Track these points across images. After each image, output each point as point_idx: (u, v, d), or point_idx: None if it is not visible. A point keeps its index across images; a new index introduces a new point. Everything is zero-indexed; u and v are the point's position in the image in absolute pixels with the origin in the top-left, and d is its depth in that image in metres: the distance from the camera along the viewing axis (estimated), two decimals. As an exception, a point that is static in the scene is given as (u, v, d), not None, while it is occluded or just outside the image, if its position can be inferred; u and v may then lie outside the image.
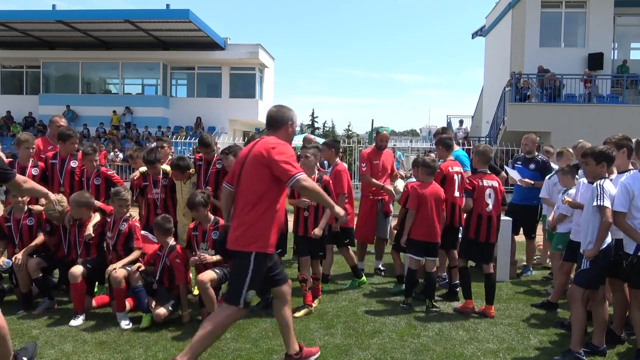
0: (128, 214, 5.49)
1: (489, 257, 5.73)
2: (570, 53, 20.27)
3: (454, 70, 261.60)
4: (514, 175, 7.38)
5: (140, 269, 5.16)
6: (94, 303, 5.43)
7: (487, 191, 5.62)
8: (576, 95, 18.69)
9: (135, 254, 5.33)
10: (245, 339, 4.69)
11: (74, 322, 5.01)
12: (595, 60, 19.66)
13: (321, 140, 9.00)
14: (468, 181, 5.78)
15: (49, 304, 5.50)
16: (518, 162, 7.71)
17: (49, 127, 6.93)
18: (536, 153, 7.60)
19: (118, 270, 5.07)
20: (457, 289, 6.12)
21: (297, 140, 20.45)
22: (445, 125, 15.15)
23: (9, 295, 5.91)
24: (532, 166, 7.40)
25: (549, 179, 6.87)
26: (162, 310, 4.99)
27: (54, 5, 26.32)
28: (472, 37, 29.93)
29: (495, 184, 5.72)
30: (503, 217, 7.16)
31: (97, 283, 5.87)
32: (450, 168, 6.23)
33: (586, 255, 4.34)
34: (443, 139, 6.53)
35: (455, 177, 6.20)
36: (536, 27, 20.32)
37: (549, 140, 18.41)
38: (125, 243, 5.37)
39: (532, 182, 7.21)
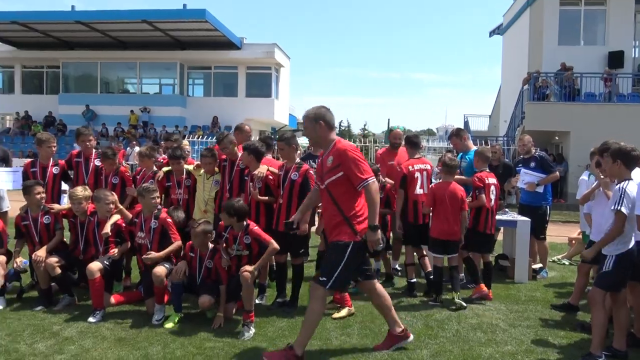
0: (157, 210, 5.47)
1: (491, 247, 6.37)
2: (589, 51, 19.96)
3: (471, 69, 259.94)
4: (524, 178, 7.32)
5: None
6: (112, 300, 5.50)
7: (491, 188, 6.19)
8: (596, 94, 18.38)
9: (174, 246, 5.34)
10: (262, 337, 4.70)
11: (93, 319, 5.06)
12: (615, 59, 19.35)
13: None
14: (478, 179, 6.17)
15: (69, 301, 5.58)
16: (519, 165, 7.66)
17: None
18: (533, 150, 7.56)
19: (160, 267, 5.10)
20: (415, 286, 6.30)
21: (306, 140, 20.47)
22: (461, 126, 15.02)
23: (30, 291, 6.01)
24: (532, 164, 7.34)
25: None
26: (206, 298, 5.02)
27: (73, 6, 26.68)
28: (490, 36, 29.71)
29: (495, 181, 6.34)
30: (521, 218, 7.13)
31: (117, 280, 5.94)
32: (410, 167, 6.36)
33: (582, 255, 4.27)
34: (409, 137, 6.74)
35: (417, 174, 6.32)
36: (555, 25, 20.05)
37: (567, 140, 18.21)
38: (160, 241, 5.36)
39: (536, 183, 7.17)
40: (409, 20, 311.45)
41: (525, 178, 7.29)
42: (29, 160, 7.34)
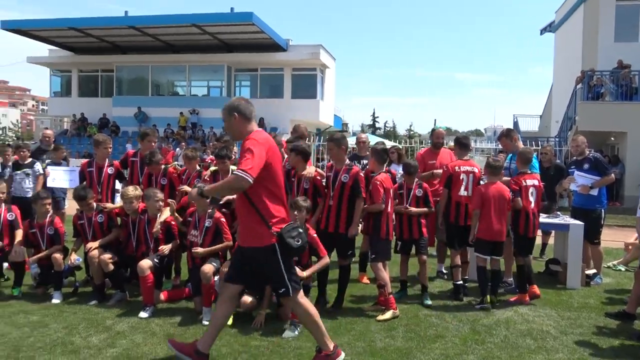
0: (211, 209, 5.55)
1: (530, 250, 6.18)
2: (648, 48, 19.05)
3: (521, 68, 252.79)
4: (577, 181, 7.05)
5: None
6: (162, 297, 5.66)
7: (530, 190, 6.05)
8: (655, 93, 17.53)
9: (223, 245, 5.45)
10: (306, 337, 4.72)
11: (143, 314, 5.22)
12: (676, 56, 18.37)
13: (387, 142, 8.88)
14: (514, 182, 6.07)
15: (121, 297, 5.79)
16: (572, 166, 7.37)
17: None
18: (587, 151, 7.25)
19: (208, 265, 5.22)
20: (461, 289, 6.20)
21: (353, 141, 20.42)
22: (510, 126, 14.65)
23: (84, 286, 6.26)
24: (586, 166, 7.05)
25: None
26: (248, 299, 5.13)
27: (126, 12, 27.65)
28: (541, 33, 28.87)
29: (536, 182, 6.16)
30: (574, 222, 6.90)
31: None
32: (457, 167, 6.29)
33: None
34: (458, 138, 6.68)
35: (463, 176, 6.25)
36: (611, 21, 19.25)
37: (624, 141, 17.44)
38: (213, 240, 5.46)
39: (590, 186, 6.90)
40: (456, 19, 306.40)
41: (579, 180, 7.04)
42: (85, 160, 7.65)
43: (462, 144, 6.52)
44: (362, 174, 5.58)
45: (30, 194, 7.40)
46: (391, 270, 6.05)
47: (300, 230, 3.88)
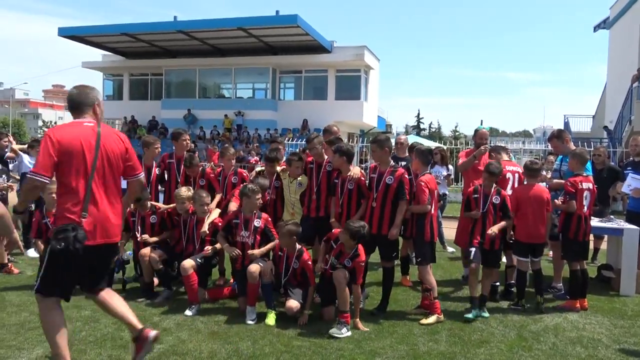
0: (258, 210, 5.63)
1: (583, 255, 5.98)
2: None
3: (572, 67, 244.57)
4: (630, 183, 6.74)
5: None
6: (206, 295, 5.78)
7: (585, 193, 5.88)
8: None
9: (274, 243, 5.53)
10: (348, 339, 4.72)
11: (189, 312, 5.34)
12: None
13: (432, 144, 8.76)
14: (570, 184, 5.87)
15: (168, 294, 5.94)
16: (628, 168, 7.04)
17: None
18: None
19: (254, 265, 5.29)
20: (512, 289, 6.17)
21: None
22: (561, 127, 14.16)
23: (133, 283, 6.46)
24: None
25: None
26: (294, 304, 5.17)
27: (175, 17, 28.39)
28: (594, 31, 27.79)
29: (591, 185, 5.98)
30: (629, 226, 6.62)
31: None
32: (504, 167, 6.23)
33: None
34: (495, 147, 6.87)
35: (509, 175, 6.36)
36: (671, 17, 18.39)
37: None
38: (262, 240, 5.54)
39: None
40: (503, 18, 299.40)
41: (632, 183, 6.74)
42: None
43: (499, 148, 6.60)
44: (407, 176, 5.53)
45: None
46: (442, 274, 5.95)
47: (72, 233, 3.44)
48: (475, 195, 5.75)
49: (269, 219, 5.67)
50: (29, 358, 4.16)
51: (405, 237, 6.06)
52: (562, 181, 6.21)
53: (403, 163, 6.90)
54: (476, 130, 7.13)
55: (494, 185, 5.73)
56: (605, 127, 21.59)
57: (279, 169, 6.38)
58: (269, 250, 5.54)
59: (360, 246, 5.14)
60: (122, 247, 6.23)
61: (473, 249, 5.56)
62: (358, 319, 5.07)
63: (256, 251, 5.42)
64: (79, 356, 4.21)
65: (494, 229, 5.53)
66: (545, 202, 5.76)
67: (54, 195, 6.24)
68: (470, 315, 5.32)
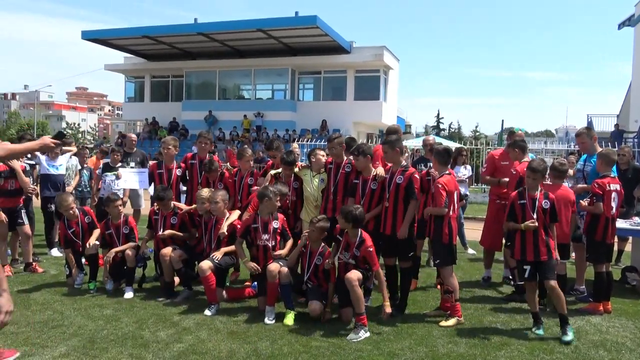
0: (275, 212, 5.70)
1: (608, 257, 5.87)
2: None
3: (595, 66, 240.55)
4: None
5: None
6: (225, 295, 5.82)
7: (613, 195, 5.76)
8: None
9: (292, 242, 5.64)
10: (367, 340, 4.70)
11: (208, 312, 5.39)
12: None
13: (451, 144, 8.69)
14: (598, 185, 5.76)
15: (188, 294, 6.00)
16: None
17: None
18: None
19: (274, 264, 5.33)
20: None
21: (417, 143, 20.09)
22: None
23: (153, 282, 6.54)
24: None
25: None
26: (317, 305, 5.18)
27: (195, 19, 28.67)
28: (619, 28, 27.28)
29: (618, 187, 5.86)
30: (655, 228, 6.46)
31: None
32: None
33: None
34: (517, 142, 6.50)
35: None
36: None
37: None
38: (280, 241, 5.64)
39: None
40: (524, 16, 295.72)
41: None
42: (154, 162, 7.99)
43: (521, 146, 6.40)
44: (417, 175, 5.49)
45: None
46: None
47: None
48: (522, 201, 5.09)
49: (285, 219, 5.76)
50: (52, 356, 4.23)
51: (420, 237, 5.99)
52: (586, 186, 6.10)
53: (430, 164, 6.87)
54: (512, 132, 7.06)
55: (540, 188, 5.11)
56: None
57: (296, 170, 6.39)
58: (290, 250, 5.58)
59: (364, 233, 5.15)
60: (143, 244, 6.33)
61: (528, 267, 5.01)
62: (387, 303, 5.07)
63: (282, 251, 5.52)
64: (100, 354, 4.28)
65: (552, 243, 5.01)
66: (571, 203, 5.65)
67: (120, 207, 6.42)
68: (540, 332, 4.96)
